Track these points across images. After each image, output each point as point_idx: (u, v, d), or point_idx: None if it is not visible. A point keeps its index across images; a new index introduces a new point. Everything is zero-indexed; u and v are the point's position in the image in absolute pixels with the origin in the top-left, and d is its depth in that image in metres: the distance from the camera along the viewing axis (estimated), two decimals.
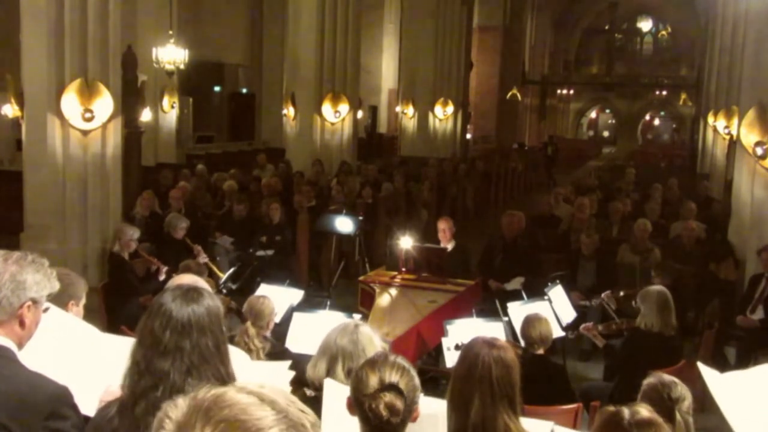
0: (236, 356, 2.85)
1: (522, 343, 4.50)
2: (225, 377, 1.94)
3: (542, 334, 4.38)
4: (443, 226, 7.31)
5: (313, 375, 2.78)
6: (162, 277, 6.38)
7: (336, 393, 2.39)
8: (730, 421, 2.45)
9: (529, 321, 4.45)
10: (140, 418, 1.87)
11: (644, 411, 2.13)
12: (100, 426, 1.98)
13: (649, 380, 2.77)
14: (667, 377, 2.75)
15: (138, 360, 1.92)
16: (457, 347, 4.68)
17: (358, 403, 2.00)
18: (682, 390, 2.67)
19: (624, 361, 5.04)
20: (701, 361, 2.88)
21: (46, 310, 2.21)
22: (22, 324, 2.12)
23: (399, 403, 1.96)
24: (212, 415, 0.94)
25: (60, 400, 2.07)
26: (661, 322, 4.82)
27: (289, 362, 3.32)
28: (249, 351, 3.98)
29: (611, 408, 2.18)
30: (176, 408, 0.98)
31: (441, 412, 2.42)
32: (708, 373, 2.66)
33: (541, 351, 4.40)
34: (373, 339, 2.74)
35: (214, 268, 7.30)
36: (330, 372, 2.72)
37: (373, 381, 1.99)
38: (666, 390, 2.66)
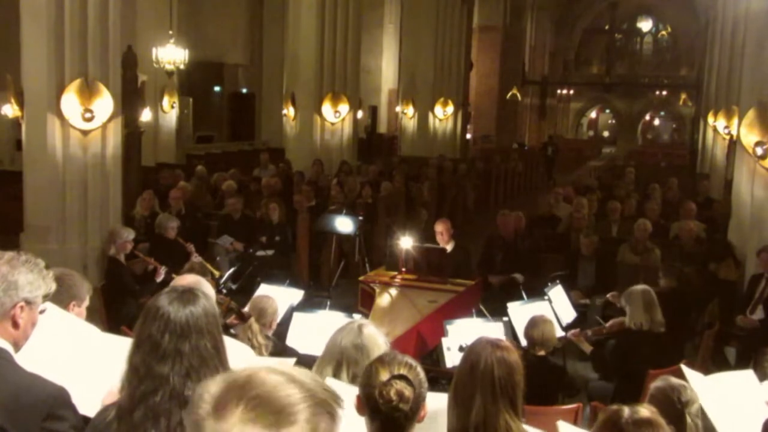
0: (241, 351, 2.86)
1: (524, 343, 4.50)
2: None
3: (544, 336, 4.38)
4: (440, 229, 7.30)
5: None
6: (159, 278, 6.37)
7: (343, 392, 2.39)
8: (713, 420, 2.47)
9: (533, 322, 4.46)
10: (139, 424, 1.86)
11: (644, 411, 2.15)
12: (98, 430, 1.97)
13: (657, 384, 2.76)
14: (676, 380, 2.75)
15: (136, 365, 1.90)
16: (461, 349, 4.68)
17: (367, 395, 2.04)
18: (692, 393, 2.67)
19: (620, 363, 5.04)
20: (701, 361, 2.89)
21: (42, 311, 2.20)
22: (15, 325, 2.10)
23: (408, 392, 2.02)
24: (246, 392, 1.03)
25: (57, 401, 2.06)
26: (649, 319, 4.84)
27: (294, 359, 3.31)
28: (252, 348, 3.98)
29: (613, 407, 2.20)
30: (214, 384, 1.07)
31: (441, 408, 2.42)
32: (692, 375, 2.68)
33: (542, 353, 4.40)
34: (377, 340, 2.73)
35: (209, 267, 7.30)
36: (336, 377, 2.72)
37: (384, 375, 2.05)
38: (676, 393, 2.66)
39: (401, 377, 2.04)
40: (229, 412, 1.02)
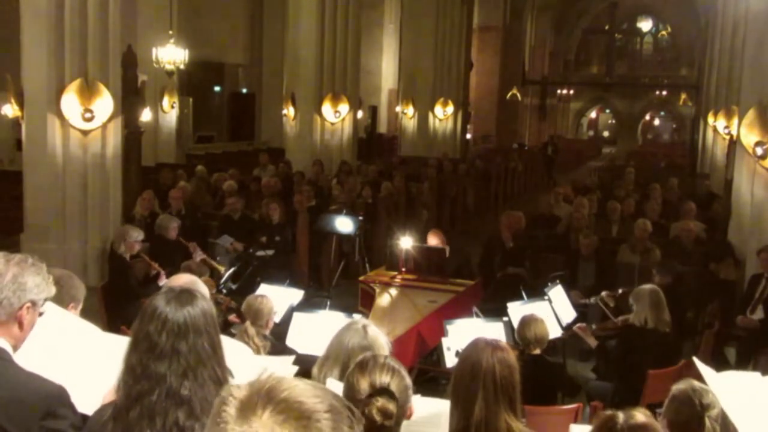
0: (239, 350, 2.85)
1: (519, 343, 4.50)
2: (221, 378, 1.93)
3: (537, 335, 4.38)
4: (434, 242, 7.25)
5: (321, 378, 2.74)
6: (162, 282, 6.35)
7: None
8: (731, 416, 2.46)
9: (524, 322, 4.47)
10: (134, 423, 1.86)
11: (639, 416, 2.15)
12: (94, 430, 1.97)
13: (679, 385, 2.74)
14: (698, 384, 2.73)
15: (133, 364, 1.90)
16: (457, 354, 4.68)
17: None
18: (713, 397, 2.66)
19: (621, 359, 5.04)
20: (701, 362, 2.88)
21: (41, 314, 2.22)
22: (20, 325, 2.13)
23: (391, 407, 1.96)
24: (273, 396, 1.03)
25: (56, 399, 2.07)
26: (655, 317, 4.85)
27: (293, 357, 3.31)
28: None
29: (607, 412, 2.20)
30: (239, 389, 1.06)
31: (443, 411, 2.43)
32: (705, 369, 2.68)
33: (537, 351, 4.40)
34: (380, 340, 2.71)
35: (213, 263, 7.30)
36: (343, 380, 2.70)
37: (364, 385, 1.99)
38: (698, 396, 2.65)
39: (382, 392, 1.97)
40: (256, 415, 1.01)
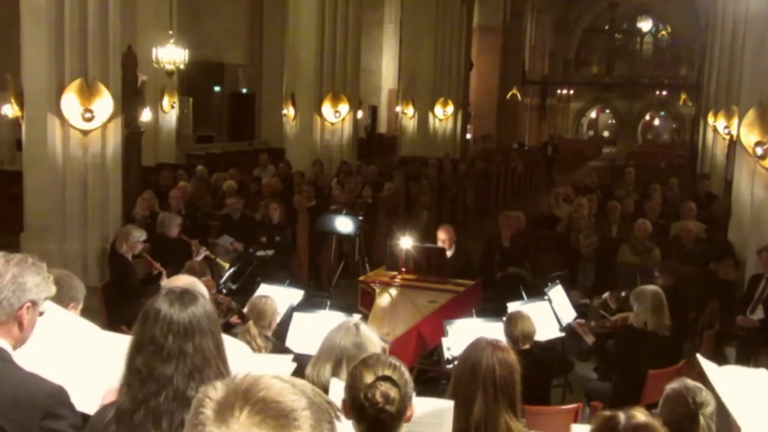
0: (239, 349, 2.86)
1: (509, 341, 4.51)
2: (225, 376, 1.93)
3: (524, 331, 4.39)
4: (443, 237, 7.14)
5: (315, 376, 2.77)
6: (163, 282, 6.35)
7: (341, 393, 2.40)
8: (732, 411, 2.46)
9: (511, 319, 4.48)
10: (139, 426, 1.85)
11: (640, 415, 2.14)
12: (96, 430, 1.98)
13: (672, 385, 2.75)
14: (692, 382, 2.73)
15: (138, 367, 1.89)
16: (448, 362, 4.69)
17: (353, 398, 2.03)
18: (707, 395, 2.66)
19: (619, 360, 5.04)
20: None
21: (41, 313, 2.22)
22: (20, 325, 2.13)
23: (393, 393, 2.00)
24: (250, 396, 1.01)
25: (55, 400, 2.07)
26: (655, 320, 4.83)
27: (291, 355, 3.32)
28: (251, 350, 3.97)
29: (606, 412, 2.19)
30: (215, 389, 1.04)
31: (446, 411, 2.42)
32: (707, 365, 2.68)
33: (527, 346, 4.41)
34: (372, 338, 2.75)
35: (217, 259, 7.31)
36: (335, 375, 2.73)
37: (369, 378, 2.04)
38: (691, 394, 2.65)
39: (386, 378, 2.02)
40: (233, 416, 1.00)
